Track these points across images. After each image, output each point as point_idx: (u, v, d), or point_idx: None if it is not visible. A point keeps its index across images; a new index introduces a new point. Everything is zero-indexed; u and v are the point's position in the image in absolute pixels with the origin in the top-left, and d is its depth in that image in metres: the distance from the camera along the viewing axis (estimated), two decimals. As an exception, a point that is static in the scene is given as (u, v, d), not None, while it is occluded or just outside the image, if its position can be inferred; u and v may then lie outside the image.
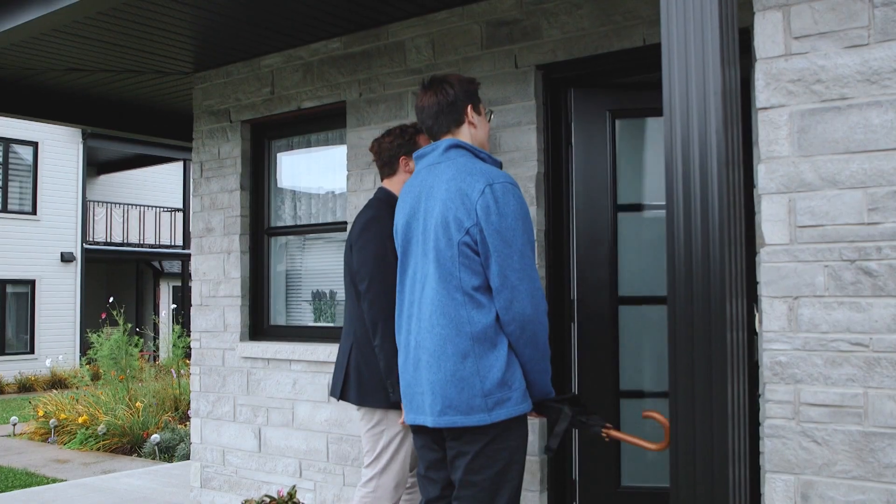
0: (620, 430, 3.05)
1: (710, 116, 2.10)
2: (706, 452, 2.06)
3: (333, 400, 4.99)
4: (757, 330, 3.01)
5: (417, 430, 3.04)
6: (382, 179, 3.79)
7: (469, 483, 2.85)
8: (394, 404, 3.48)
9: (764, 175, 2.56)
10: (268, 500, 4.41)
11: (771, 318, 2.53)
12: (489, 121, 3.23)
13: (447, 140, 3.02)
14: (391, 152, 3.70)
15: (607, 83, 4.31)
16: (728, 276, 2.09)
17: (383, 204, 3.64)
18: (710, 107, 2.10)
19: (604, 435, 2.98)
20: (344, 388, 3.66)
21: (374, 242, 3.51)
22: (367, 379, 3.56)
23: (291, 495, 4.43)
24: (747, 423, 2.16)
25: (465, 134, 3.07)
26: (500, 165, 3.05)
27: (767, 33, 2.58)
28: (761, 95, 2.58)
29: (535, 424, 4.09)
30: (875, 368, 2.38)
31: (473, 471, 2.83)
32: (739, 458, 2.09)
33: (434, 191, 2.93)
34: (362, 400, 3.59)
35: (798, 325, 2.49)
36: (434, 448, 3.00)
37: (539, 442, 4.13)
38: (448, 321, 2.81)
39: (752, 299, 3.07)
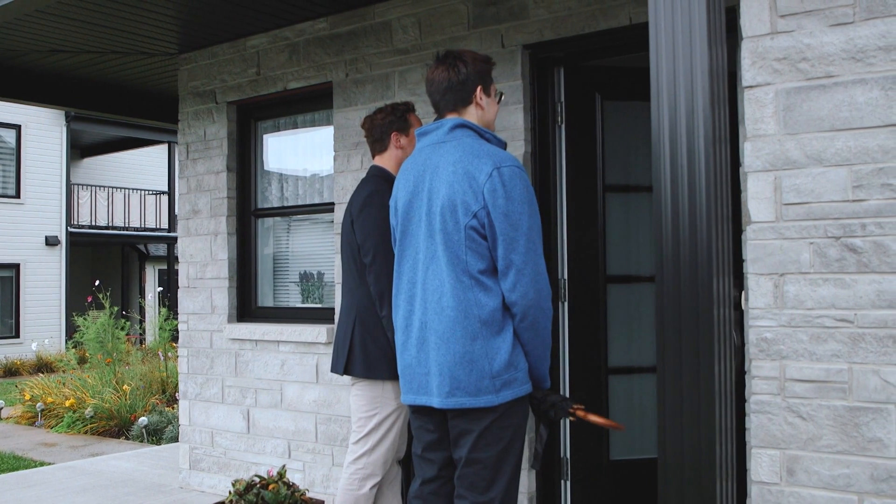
0: (590, 413, 3.04)
1: (696, 96, 2.11)
2: (693, 428, 2.08)
3: (322, 380, 5.01)
4: (743, 307, 3.04)
5: (418, 411, 3.04)
6: (374, 156, 3.84)
7: (473, 460, 2.87)
8: (395, 378, 3.51)
9: (750, 153, 2.57)
10: (257, 480, 4.42)
11: (757, 295, 2.56)
12: (499, 102, 3.19)
13: (453, 119, 2.99)
14: (383, 129, 3.76)
15: (595, 65, 4.31)
16: (715, 254, 2.11)
17: (380, 180, 3.70)
18: (698, 86, 2.11)
19: (571, 412, 2.96)
20: (348, 363, 3.69)
21: (376, 216, 3.57)
22: (371, 351, 3.60)
23: (281, 475, 4.44)
24: (734, 399, 2.19)
25: (471, 114, 3.03)
26: (504, 146, 3.02)
27: (753, 11, 2.59)
28: (747, 74, 2.59)
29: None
30: (860, 344, 2.41)
31: (479, 448, 2.86)
32: (727, 434, 2.12)
33: (439, 171, 2.91)
34: (369, 372, 3.62)
35: (784, 301, 2.52)
36: (432, 429, 3.01)
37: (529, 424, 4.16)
38: (457, 303, 2.83)
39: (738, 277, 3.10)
